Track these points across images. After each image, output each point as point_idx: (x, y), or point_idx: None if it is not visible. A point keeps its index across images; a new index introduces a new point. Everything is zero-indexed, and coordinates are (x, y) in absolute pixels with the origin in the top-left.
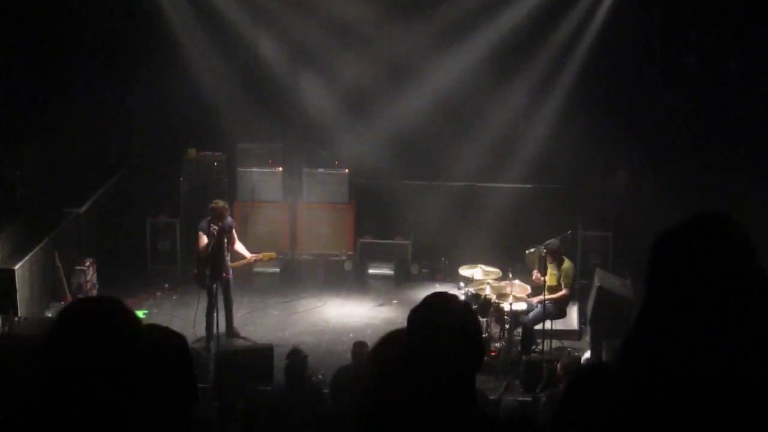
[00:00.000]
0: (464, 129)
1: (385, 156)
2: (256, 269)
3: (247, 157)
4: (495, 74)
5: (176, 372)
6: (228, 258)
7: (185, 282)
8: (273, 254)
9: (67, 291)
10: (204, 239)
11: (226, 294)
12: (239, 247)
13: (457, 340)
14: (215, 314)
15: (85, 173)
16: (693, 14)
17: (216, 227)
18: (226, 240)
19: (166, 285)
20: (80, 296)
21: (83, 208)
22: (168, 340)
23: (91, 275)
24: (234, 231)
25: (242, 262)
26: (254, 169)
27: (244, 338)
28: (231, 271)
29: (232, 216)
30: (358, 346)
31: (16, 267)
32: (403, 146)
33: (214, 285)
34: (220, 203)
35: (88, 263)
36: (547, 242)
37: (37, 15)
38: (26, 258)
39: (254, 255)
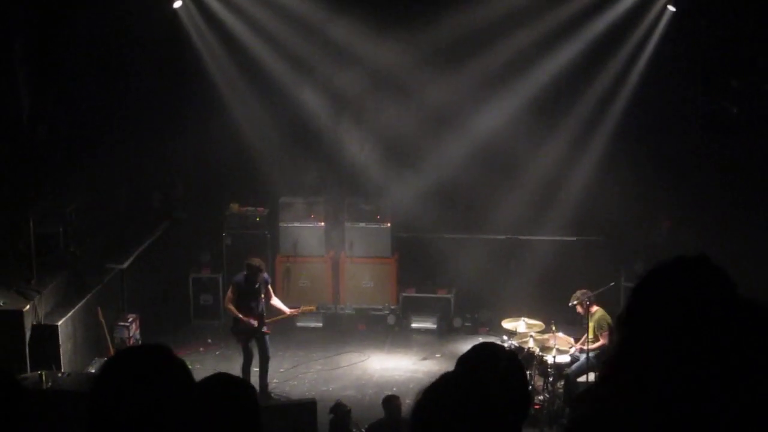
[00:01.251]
0: (505, 180)
1: (427, 208)
2: (299, 323)
3: (289, 212)
4: (536, 124)
5: (242, 423)
6: (264, 313)
7: (228, 337)
8: (313, 307)
9: (111, 346)
10: (231, 292)
11: (262, 350)
12: (276, 302)
13: (505, 388)
14: (250, 369)
15: (127, 228)
16: (733, 62)
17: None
18: (263, 295)
19: (209, 340)
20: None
21: (126, 264)
22: (235, 389)
23: (134, 330)
24: (270, 286)
25: (280, 317)
26: (296, 224)
27: (278, 396)
28: (265, 327)
29: (272, 270)
30: (388, 400)
31: (60, 323)
32: (445, 198)
33: (251, 340)
34: (256, 260)
35: (131, 318)
36: (576, 295)
37: (79, 67)
38: (69, 314)
39: (293, 309)
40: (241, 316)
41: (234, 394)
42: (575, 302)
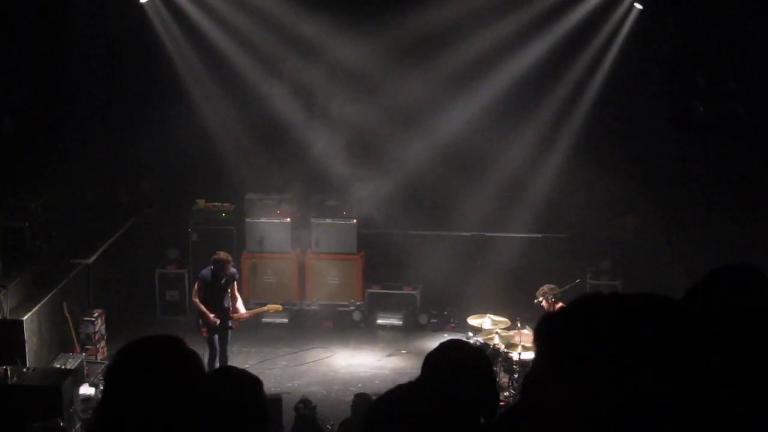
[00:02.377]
0: (472, 177)
1: (393, 205)
2: (265, 320)
3: (256, 208)
4: (502, 122)
5: (250, 416)
6: (230, 308)
7: (194, 332)
8: (279, 306)
9: (76, 341)
10: (197, 287)
11: (223, 345)
12: (239, 305)
13: (472, 384)
14: (215, 364)
15: (93, 223)
16: (700, 60)
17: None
18: (228, 291)
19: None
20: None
21: (92, 259)
22: (242, 382)
23: (100, 326)
24: (235, 284)
25: (241, 317)
26: (262, 220)
27: None
28: (231, 322)
29: (238, 266)
30: (358, 398)
31: (25, 318)
32: (411, 195)
33: (215, 335)
34: (223, 254)
35: (96, 314)
36: (542, 290)
37: (45, 61)
38: (35, 309)
39: (253, 310)
40: (206, 311)
41: (241, 387)
42: (540, 298)
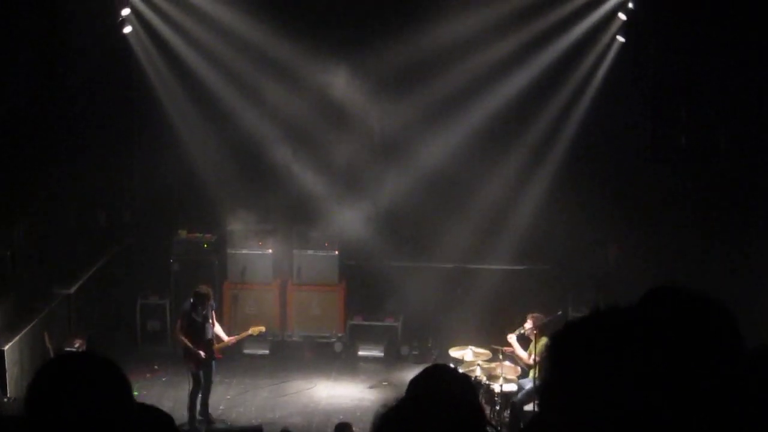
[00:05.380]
0: (453, 208)
1: (375, 236)
2: (246, 350)
3: (237, 238)
4: (484, 153)
5: None
6: (213, 339)
7: (175, 363)
8: (262, 327)
9: None
10: (180, 323)
11: (207, 376)
12: (218, 329)
13: (457, 410)
14: (198, 397)
15: (74, 250)
16: (683, 93)
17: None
18: (210, 322)
19: (156, 366)
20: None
21: (73, 289)
22: (156, 419)
23: None
24: (213, 312)
25: (227, 343)
26: (244, 251)
27: (223, 422)
28: (216, 353)
29: (220, 297)
30: (339, 428)
31: (6, 347)
32: (393, 227)
33: (201, 368)
34: (204, 288)
35: (78, 343)
36: (534, 317)
37: (27, 89)
38: (16, 338)
39: (238, 336)
40: (191, 345)
41: (155, 423)
42: (529, 323)
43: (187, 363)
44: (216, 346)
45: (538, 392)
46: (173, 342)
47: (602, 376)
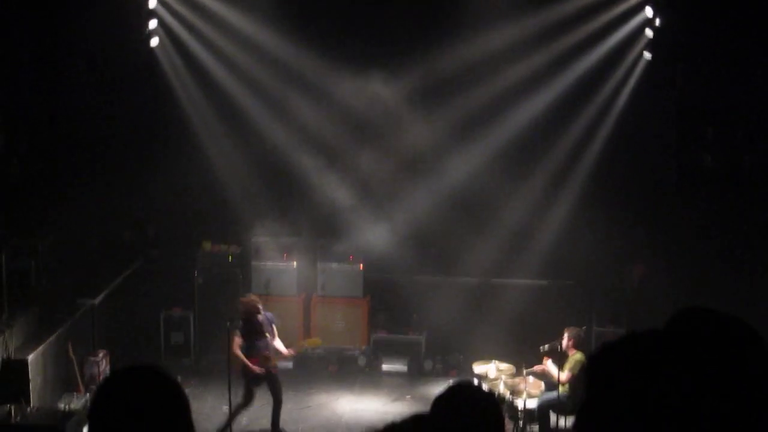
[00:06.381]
0: (479, 224)
1: (400, 250)
2: None
3: (262, 251)
4: (510, 169)
5: None
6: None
7: (198, 375)
8: (318, 339)
9: (80, 382)
10: (235, 340)
11: (274, 391)
12: (278, 343)
13: (481, 426)
14: (241, 411)
15: (98, 264)
16: (708, 111)
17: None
18: (268, 334)
19: (179, 378)
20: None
21: (97, 300)
22: None
23: (104, 366)
24: (274, 326)
25: (282, 357)
26: (268, 263)
27: None
28: (273, 368)
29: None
30: None
31: (29, 357)
32: (418, 241)
33: (262, 383)
34: (245, 299)
35: (101, 355)
36: (571, 331)
37: (52, 103)
38: (39, 348)
39: (290, 349)
40: (247, 362)
41: None
42: (566, 336)
43: (244, 377)
44: (273, 360)
45: (575, 413)
46: (232, 359)
47: (640, 397)
